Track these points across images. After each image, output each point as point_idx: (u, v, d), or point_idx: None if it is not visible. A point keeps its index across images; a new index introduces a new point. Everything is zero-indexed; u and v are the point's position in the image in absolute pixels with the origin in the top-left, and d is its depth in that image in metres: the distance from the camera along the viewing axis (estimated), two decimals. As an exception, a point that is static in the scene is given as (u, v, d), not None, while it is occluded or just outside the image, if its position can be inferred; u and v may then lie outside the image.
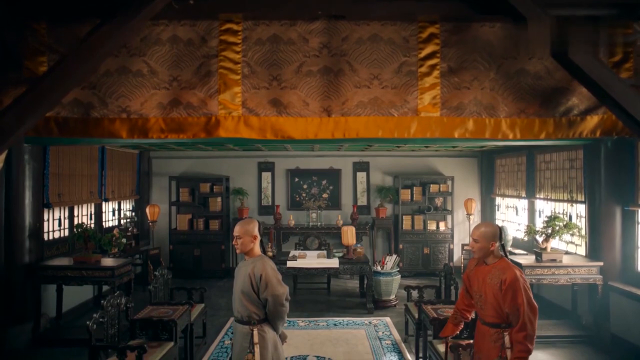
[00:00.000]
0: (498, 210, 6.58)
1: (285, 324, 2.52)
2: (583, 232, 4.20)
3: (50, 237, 4.56)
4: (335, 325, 4.43)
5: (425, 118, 3.11)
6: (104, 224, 5.68)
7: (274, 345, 2.25)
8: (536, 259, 4.13)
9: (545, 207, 5.20)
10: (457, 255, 6.67)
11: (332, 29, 3.07)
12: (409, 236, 6.49)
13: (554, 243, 4.29)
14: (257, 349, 2.16)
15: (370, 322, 4.50)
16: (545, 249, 4.09)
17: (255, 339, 2.17)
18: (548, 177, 5.03)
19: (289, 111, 3.09)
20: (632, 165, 3.84)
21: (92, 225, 5.32)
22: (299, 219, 6.78)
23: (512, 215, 6.10)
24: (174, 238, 6.43)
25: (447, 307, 3.34)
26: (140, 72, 3.06)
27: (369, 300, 4.84)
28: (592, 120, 3.17)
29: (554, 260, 4.02)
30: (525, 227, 4.69)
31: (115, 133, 3.07)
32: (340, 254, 5.12)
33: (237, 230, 2.26)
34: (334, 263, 4.84)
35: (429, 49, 3.09)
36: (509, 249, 4.97)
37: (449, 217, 6.65)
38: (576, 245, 4.51)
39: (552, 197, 4.92)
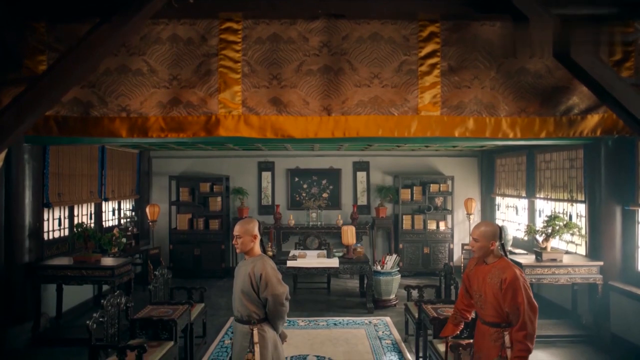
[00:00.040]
0: (498, 209, 6.58)
1: (285, 324, 2.51)
2: (583, 232, 4.20)
3: (50, 237, 4.56)
4: (335, 324, 4.43)
5: (425, 117, 3.11)
6: (104, 223, 5.67)
7: (274, 344, 2.25)
8: (536, 258, 4.13)
9: (545, 207, 5.20)
10: (457, 254, 6.67)
11: (332, 28, 3.06)
12: (409, 236, 6.48)
13: (554, 243, 4.29)
14: (257, 349, 2.15)
15: (370, 322, 4.50)
16: (545, 248, 4.09)
17: (255, 339, 2.17)
18: (548, 177, 5.03)
19: (289, 110, 3.08)
20: (632, 164, 3.84)
21: (92, 225, 5.32)
22: (299, 218, 6.77)
23: (512, 215, 6.10)
24: (174, 238, 6.42)
25: (447, 307, 3.34)
26: (140, 71, 3.05)
27: (369, 300, 4.84)
28: (593, 119, 3.17)
29: (554, 260, 4.02)
30: (526, 227, 4.69)
31: (115, 132, 3.07)
32: (340, 254, 5.12)
33: (237, 229, 2.26)
34: (334, 263, 4.84)
35: (429, 47, 3.08)
36: (509, 248, 4.97)
37: (449, 217, 6.65)
38: (576, 244, 4.51)
39: (552, 197, 4.91)
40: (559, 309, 4.59)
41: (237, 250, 2.28)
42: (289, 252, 5.36)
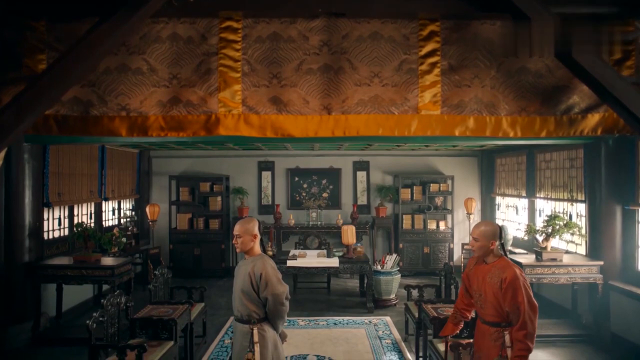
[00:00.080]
0: (498, 209, 6.58)
1: (285, 323, 2.51)
2: (583, 232, 4.20)
3: (50, 236, 4.56)
4: (335, 324, 4.43)
5: (425, 116, 3.10)
6: (104, 223, 5.67)
7: (274, 344, 2.24)
8: (536, 258, 4.12)
9: (545, 207, 5.20)
10: (457, 254, 6.67)
11: (333, 27, 3.06)
12: (409, 235, 6.48)
13: (554, 242, 4.29)
14: (257, 348, 2.15)
15: (370, 322, 4.50)
16: (545, 248, 4.09)
17: (255, 338, 2.16)
18: (548, 176, 5.03)
19: (289, 109, 3.08)
20: (633, 164, 3.84)
21: (92, 225, 5.32)
22: (299, 218, 6.77)
23: (512, 215, 6.09)
24: (174, 237, 6.42)
25: (447, 306, 3.34)
26: (140, 70, 3.05)
27: (369, 300, 4.84)
28: (593, 119, 3.17)
29: (554, 260, 4.02)
30: (526, 227, 4.69)
31: (115, 131, 3.07)
32: (340, 253, 5.12)
33: (237, 229, 2.26)
34: (334, 262, 4.84)
35: (429, 46, 3.08)
36: (509, 248, 4.97)
37: (449, 217, 6.65)
38: (576, 244, 4.51)
39: (553, 197, 4.91)
40: (559, 309, 4.59)
41: (237, 250, 2.27)
42: (289, 251, 5.36)
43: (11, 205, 3.83)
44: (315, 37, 3.06)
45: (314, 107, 3.07)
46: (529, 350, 2.04)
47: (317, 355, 3.61)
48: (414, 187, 6.59)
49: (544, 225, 4.13)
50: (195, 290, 3.93)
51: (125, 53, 3.05)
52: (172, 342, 2.97)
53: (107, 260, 4.22)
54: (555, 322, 4.21)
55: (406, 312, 3.93)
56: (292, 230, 6.47)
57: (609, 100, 2.76)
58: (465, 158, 6.96)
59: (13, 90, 2.87)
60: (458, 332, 2.57)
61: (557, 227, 4.05)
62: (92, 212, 5.43)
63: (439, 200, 6.68)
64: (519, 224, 5.84)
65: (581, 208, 4.47)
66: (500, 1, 2.67)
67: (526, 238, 5.10)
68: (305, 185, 6.92)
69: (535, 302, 2.09)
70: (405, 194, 6.57)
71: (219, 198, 6.53)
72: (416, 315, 3.50)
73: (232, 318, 2.57)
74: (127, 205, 6.50)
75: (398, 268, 5.19)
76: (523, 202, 5.74)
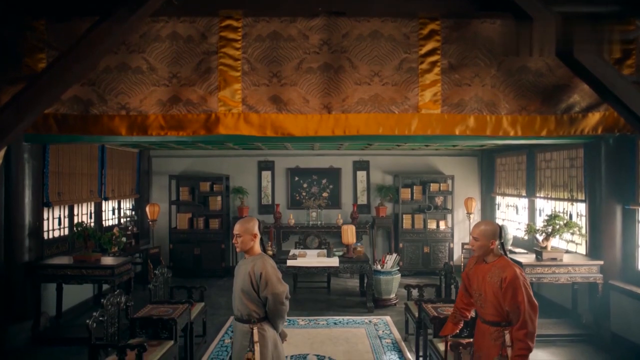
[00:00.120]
0: (498, 209, 6.58)
1: (285, 323, 2.51)
2: (583, 231, 4.19)
3: (50, 236, 4.55)
4: (335, 324, 4.43)
5: (426, 115, 3.10)
6: (103, 222, 5.67)
7: (274, 343, 2.24)
8: (536, 257, 4.12)
9: (545, 206, 5.19)
10: (457, 254, 6.66)
11: (333, 26, 3.06)
12: (409, 235, 6.48)
13: (554, 242, 4.28)
14: (257, 348, 2.15)
15: (370, 321, 4.49)
16: (545, 247, 4.08)
17: (255, 338, 2.16)
18: (548, 176, 5.02)
19: (289, 108, 3.08)
20: (633, 163, 3.83)
21: (92, 224, 5.31)
22: (299, 217, 6.77)
23: (513, 214, 6.09)
24: (174, 237, 6.42)
25: (447, 306, 3.34)
26: (140, 68, 3.05)
27: (369, 299, 4.84)
28: (594, 118, 3.16)
29: (554, 259, 4.01)
30: (526, 226, 4.68)
31: (115, 130, 3.06)
32: (341, 253, 5.11)
33: (237, 228, 2.25)
34: (334, 262, 4.83)
35: (429, 45, 3.08)
36: (509, 248, 4.96)
37: (449, 216, 6.65)
38: (576, 244, 4.50)
39: (553, 196, 4.91)
40: (559, 308, 4.59)
41: (237, 249, 2.27)
42: (289, 251, 5.35)
43: (11, 204, 3.82)
44: (315, 36, 3.06)
45: (314, 106, 3.07)
46: (530, 350, 2.04)
47: (317, 355, 3.60)
48: (414, 187, 6.59)
49: (544, 225, 4.13)
50: (195, 290, 3.93)
51: (125, 52, 3.05)
52: (172, 342, 2.96)
53: (107, 260, 4.22)
54: (555, 321, 4.21)
55: (406, 311, 3.93)
56: (292, 229, 6.47)
57: (609, 99, 2.76)
58: (466, 158, 6.96)
59: (13, 90, 2.86)
60: (458, 331, 2.57)
61: (557, 226, 4.05)
62: (92, 211, 5.43)
63: (439, 200, 6.68)
64: (519, 223, 5.83)
65: (581, 207, 4.47)
66: (501, 0, 2.67)
67: (526, 238, 5.10)
68: (305, 185, 6.92)
69: (536, 301, 2.09)
70: (405, 193, 6.56)
71: (219, 198, 6.53)
72: (416, 314, 3.50)
73: (232, 317, 2.57)
74: (127, 205, 6.49)
75: (398, 268, 5.18)
76: (523, 202, 5.73)
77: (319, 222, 6.58)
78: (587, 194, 4.23)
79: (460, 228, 6.77)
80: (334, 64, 3.07)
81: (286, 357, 3.29)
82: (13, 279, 3.83)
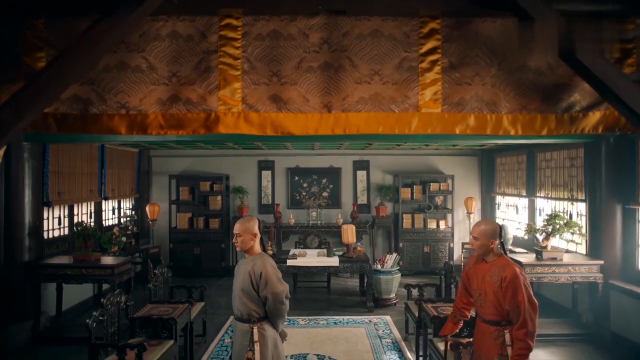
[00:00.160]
0: (498, 208, 6.57)
1: (285, 322, 2.51)
2: (583, 231, 4.19)
3: (50, 236, 4.55)
4: (335, 323, 4.42)
5: (426, 114, 3.09)
6: (103, 222, 5.67)
7: (274, 343, 2.24)
8: (536, 257, 4.12)
9: (545, 206, 5.19)
10: (457, 253, 6.66)
11: (333, 25, 3.05)
12: (409, 235, 6.48)
13: (555, 241, 4.28)
14: (257, 347, 2.14)
15: (370, 321, 4.49)
16: (545, 247, 4.08)
17: (255, 337, 2.16)
18: (548, 176, 5.02)
19: (289, 107, 3.07)
20: (633, 163, 3.83)
21: (92, 224, 5.31)
22: (299, 217, 6.77)
23: (513, 214, 6.09)
24: (174, 236, 6.42)
25: (448, 306, 3.33)
26: (139, 67, 3.04)
27: (369, 299, 4.83)
28: (595, 116, 3.16)
29: (554, 259, 4.01)
30: (526, 226, 4.68)
31: (114, 129, 3.06)
32: (341, 253, 5.11)
33: (237, 228, 2.25)
34: (334, 261, 4.83)
35: (430, 44, 3.07)
36: (510, 247, 4.96)
37: (449, 216, 6.64)
38: (577, 243, 4.50)
39: (553, 196, 4.90)
40: (559, 308, 4.59)
41: (237, 249, 2.27)
42: (289, 251, 5.35)
43: (11, 204, 3.82)
44: (315, 34, 3.05)
45: (314, 105, 3.07)
46: (530, 349, 2.04)
47: (317, 355, 3.60)
48: (414, 187, 6.59)
49: (544, 225, 4.12)
50: (195, 290, 3.92)
51: (125, 51, 3.04)
52: (172, 341, 2.96)
53: (107, 260, 4.21)
54: (555, 321, 4.20)
55: (406, 311, 3.93)
56: (292, 229, 6.46)
57: (610, 98, 2.76)
58: (466, 157, 6.96)
59: (12, 88, 2.86)
60: (457, 331, 2.56)
61: (558, 226, 4.05)
62: (92, 211, 5.43)
63: (439, 200, 6.68)
64: (519, 223, 5.83)
65: (581, 207, 4.47)
66: (502, 0, 2.67)
67: (526, 237, 5.09)
68: (305, 185, 6.92)
69: (536, 300, 2.09)
70: (405, 193, 6.56)
71: (219, 197, 6.52)
72: (416, 314, 3.50)
73: (232, 317, 2.56)
74: (127, 205, 6.49)
75: (398, 267, 5.18)
76: (523, 202, 5.73)
77: (319, 222, 6.58)
78: (587, 193, 4.23)
79: (460, 228, 6.77)
80: (334, 62, 3.07)
81: (286, 356, 3.28)
82: (13, 278, 3.83)
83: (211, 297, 5.20)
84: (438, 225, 6.53)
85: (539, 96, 3.13)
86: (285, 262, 4.76)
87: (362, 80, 3.07)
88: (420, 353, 3.33)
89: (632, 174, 3.84)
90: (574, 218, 4.54)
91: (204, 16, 3.04)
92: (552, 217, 4.09)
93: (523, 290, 2.05)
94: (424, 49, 3.08)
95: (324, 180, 6.92)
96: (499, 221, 6.26)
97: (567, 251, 4.44)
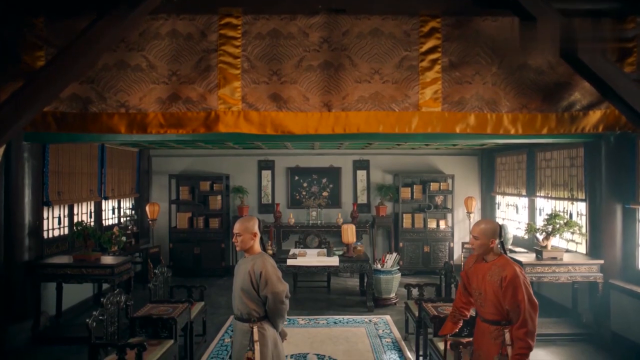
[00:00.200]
0: (498, 208, 6.57)
1: (285, 322, 2.50)
2: (584, 230, 4.19)
3: (50, 235, 4.55)
4: (335, 323, 4.42)
5: (426, 113, 3.09)
6: (103, 222, 5.66)
7: (274, 342, 2.23)
8: (537, 257, 4.11)
9: (545, 205, 5.19)
10: (458, 253, 6.66)
11: (333, 23, 3.05)
12: (409, 234, 6.47)
13: (555, 241, 4.27)
14: (257, 347, 2.14)
15: (370, 320, 4.49)
16: (545, 247, 4.08)
17: (255, 337, 2.15)
18: (549, 175, 5.02)
19: (289, 106, 3.07)
20: (633, 163, 3.83)
21: (92, 224, 5.30)
22: (299, 217, 6.76)
23: (513, 214, 6.08)
24: (174, 236, 6.41)
25: (448, 305, 3.33)
26: (139, 66, 3.04)
27: (369, 299, 4.83)
28: (595, 115, 3.15)
29: (554, 259, 4.00)
30: (526, 225, 4.68)
31: (114, 128, 3.06)
32: (341, 252, 5.11)
33: (237, 227, 2.25)
34: (334, 261, 4.83)
35: (430, 43, 3.07)
36: (510, 247, 4.96)
37: (449, 216, 6.64)
38: (577, 243, 4.50)
39: (553, 195, 4.90)
40: (559, 308, 4.58)
41: (237, 248, 2.26)
42: (289, 250, 5.35)
43: (11, 204, 3.81)
44: (315, 33, 3.05)
45: (314, 104, 3.06)
46: (530, 349, 2.03)
47: (317, 354, 3.60)
48: (414, 186, 6.58)
49: (544, 224, 4.12)
50: (195, 289, 3.92)
51: (124, 50, 3.04)
52: (172, 341, 2.96)
53: (107, 259, 4.21)
54: (555, 320, 4.20)
55: (406, 310, 3.92)
56: (292, 229, 6.46)
57: (611, 97, 2.75)
58: (466, 157, 6.95)
59: (11, 87, 2.86)
60: (457, 330, 2.56)
61: (558, 225, 4.04)
62: (92, 211, 5.42)
63: (439, 199, 6.67)
64: (519, 222, 5.83)
65: (581, 207, 4.46)
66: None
67: (526, 237, 5.09)
68: (305, 184, 6.91)
69: (536, 300, 2.08)
70: (405, 192, 6.56)
71: (219, 197, 6.52)
72: (416, 314, 3.49)
73: (232, 317, 2.56)
74: (127, 204, 6.49)
75: (398, 267, 5.18)
76: (523, 201, 5.73)
77: (319, 222, 6.58)
78: (587, 193, 4.23)
79: (460, 227, 6.77)
80: (334, 61, 3.07)
81: (286, 356, 3.28)
82: (13, 278, 3.82)
83: (211, 296, 5.20)
84: (438, 225, 6.53)
85: (540, 95, 3.13)
86: (285, 262, 4.76)
87: (362, 79, 3.07)
88: (420, 353, 3.33)
89: (632, 174, 3.83)
90: (574, 218, 4.53)
91: (204, 15, 3.04)
92: (552, 217, 4.09)
93: (523, 290, 2.05)
94: (424, 47, 3.08)
95: (324, 180, 6.91)
96: (499, 221, 6.26)
97: (567, 251, 4.44)
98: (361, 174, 6.92)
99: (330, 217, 6.75)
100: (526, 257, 4.22)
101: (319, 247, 5.57)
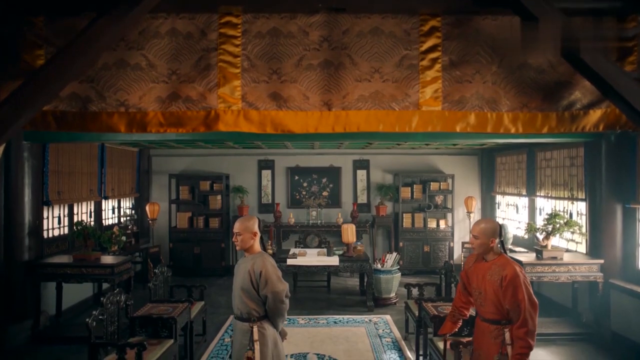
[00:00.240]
0: (498, 208, 6.57)
1: (285, 321, 2.50)
2: (584, 230, 4.18)
3: (50, 235, 4.55)
4: (335, 323, 4.42)
5: (426, 112, 3.09)
6: (103, 221, 5.66)
7: (274, 342, 2.23)
8: (537, 256, 4.11)
9: (545, 205, 5.18)
10: (458, 253, 6.66)
11: (333, 22, 3.05)
12: (409, 234, 6.47)
13: (555, 241, 4.27)
14: (257, 346, 2.14)
15: (370, 320, 4.48)
16: (545, 246, 4.07)
17: (255, 336, 2.15)
18: (549, 175, 5.01)
19: (289, 105, 3.06)
20: (633, 162, 3.82)
21: (92, 223, 5.30)
22: (299, 216, 6.76)
23: (513, 213, 6.08)
24: (174, 236, 6.41)
25: (448, 305, 3.33)
26: (139, 65, 3.03)
27: (369, 298, 4.83)
28: (595, 114, 3.15)
29: (554, 258, 4.00)
30: (526, 225, 4.67)
31: (114, 127, 3.05)
32: (341, 252, 5.10)
33: (237, 227, 2.24)
34: (334, 261, 4.83)
35: (430, 42, 3.06)
36: (510, 246, 4.95)
37: (449, 215, 6.64)
38: (577, 242, 4.49)
39: (553, 195, 4.90)
40: (559, 307, 4.58)
41: (237, 248, 2.26)
42: (289, 250, 5.35)
43: (11, 203, 3.81)
44: (315, 32, 3.04)
45: (314, 103, 3.06)
46: (530, 348, 2.03)
47: (317, 354, 3.60)
48: (414, 186, 6.58)
49: (545, 224, 4.12)
50: (195, 289, 3.92)
51: (124, 48, 3.04)
52: (172, 341, 2.96)
53: (107, 259, 4.21)
54: (555, 320, 4.20)
55: (406, 310, 3.92)
56: (292, 228, 6.46)
57: (611, 96, 2.75)
58: (466, 157, 6.95)
59: (11, 86, 2.84)
60: (457, 330, 2.56)
61: (558, 225, 4.04)
62: (92, 210, 5.42)
63: (439, 199, 6.67)
64: (519, 222, 5.82)
65: (581, 206, 4.46)
66: (505, -1, 2.65)
67: (526, 236, 5.08)
68: (305, 184, 6.91)
69: (536, 299, 2.08)
70: (405, 192, 6.56)
71: (219, 197, 6.52)
72: (416, 313, 3.49)
73: (232, 316, 2.56)
74: (127, 204, 6.48)
75: (398, 266, 5.17)
76: (523, 201, 5.72)
77: (319, 221, 6.57)
78: (587, 192, 4.22)
79: (460, 227, 6.77)
80: (334, 60, 3.06)
81: (286, 355, 3.28)
82: (13, 278, 3.82)
83: (211, 296, 5.20)
84: (438, 225, 6.52)
85: (540, 94, 3.12)
86: (285, 262, 4.76)
87: (363, 78, 3.06)
88: (420, 352, 3.33)
89: (633, 173, 3.83)
90: (574, 217, 4.53)
91: (204, 14, 3.03)
92: (552, 217, 4.08)
93: (523, 289, 2.04)
94: (425, 46, 3.07)
95: (324, 180, 6.91)
96: (499, 220, 6.26)
97: (567, 250, 4.44)
98: (361, 174, 6.92)
99: (330, 217, 6.75)
100: (526, 256, 4.22)
101: (319, 246, 5.57)
